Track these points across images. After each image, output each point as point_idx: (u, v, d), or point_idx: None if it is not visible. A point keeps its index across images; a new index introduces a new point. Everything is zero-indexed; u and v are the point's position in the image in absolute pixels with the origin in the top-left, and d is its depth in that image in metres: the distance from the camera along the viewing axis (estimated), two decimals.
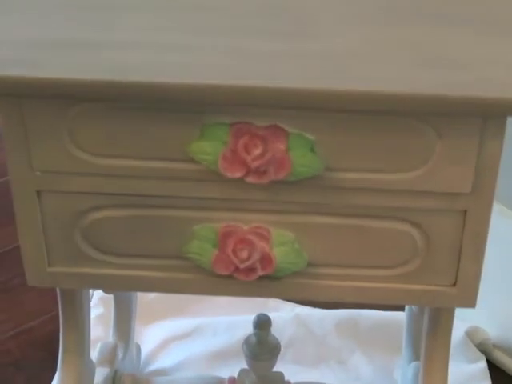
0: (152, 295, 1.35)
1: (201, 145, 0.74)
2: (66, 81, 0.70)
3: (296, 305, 1.36)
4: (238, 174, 0.74)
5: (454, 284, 0.81)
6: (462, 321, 1.26)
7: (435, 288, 0.81)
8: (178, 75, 0.70)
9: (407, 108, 0.70)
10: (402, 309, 1.21)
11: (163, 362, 1.26)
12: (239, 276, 0.80)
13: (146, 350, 1.27)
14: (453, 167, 0.74)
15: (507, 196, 1.19)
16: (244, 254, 0.78)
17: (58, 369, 0.94)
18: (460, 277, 0.80)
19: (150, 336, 1.30)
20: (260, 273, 0.79)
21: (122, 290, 1.02)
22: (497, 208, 0.92)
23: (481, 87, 0.69)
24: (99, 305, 1.31)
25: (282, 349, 1.22)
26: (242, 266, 0.79)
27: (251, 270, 0.79)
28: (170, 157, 0.75)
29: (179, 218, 0.79)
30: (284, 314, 1.31)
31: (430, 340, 0.90)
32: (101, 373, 1.06)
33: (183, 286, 0.83)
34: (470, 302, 0.82)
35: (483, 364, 1.25)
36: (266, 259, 0.79)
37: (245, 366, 1.08)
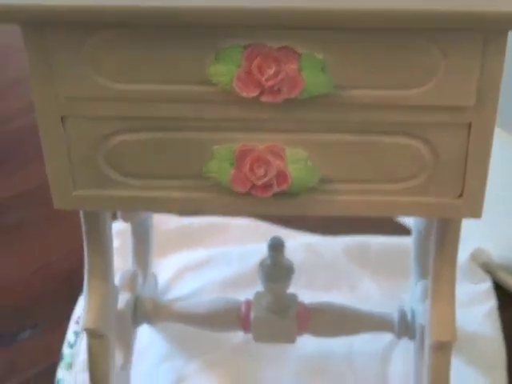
0: (167, 228, 1.40)
1: (216, 68, 0.78)
2: (84, 8, 0.74)
3: (306, 234, 1.41)
4: (253, 94, 0.78)
5: (461, 195, 0.85)
6: (466, 244, 1.31)
7: (442, 200, 0.85)
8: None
9: (415, 24, 0.73)
10: (409, 234, 1.25)
11: (179, 290, 1.31)
12: (256, 193, 0.84)
13: (161, 280, 1.32)
14: (457, 82, 0.78)
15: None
16: (261, 172, 0.82)
17: (84, 293, 0.98)
18: (466, 188, 0.84)
19: (165, 267, 1.35)
20: (276, 189, 0.83)
21: (144, 210, 1.06)
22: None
23: (482, 2, 0.72)
24: (116, 238, 1.35)
25: (294, 276, 1.27)
26: (258, 183, 0.83)
27: (267, 186, 0.83)
28: (186, 80, 0.79)
29: (198, 140, 0.83)
30: (294, 242, 1.35)
31: (438, 255, 0.94)
32: (123, 298, 1.10)
33: (203, 205, 0.87)
34: (476, 212, 0.86)
35: (488, 284, 1.30)
36: (281, 176, 0.83)
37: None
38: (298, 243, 1.36)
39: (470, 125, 0.80)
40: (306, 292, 1.20)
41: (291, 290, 1.13)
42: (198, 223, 1.43)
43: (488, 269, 1.32)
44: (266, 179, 0.83)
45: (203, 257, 1.36)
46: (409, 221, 1.35)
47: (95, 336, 0.98)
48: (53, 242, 1.44)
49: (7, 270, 1.40)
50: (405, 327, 1.11)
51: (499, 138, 1.21)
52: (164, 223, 1.41)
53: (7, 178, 1.61)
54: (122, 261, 1.28)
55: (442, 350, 0.95)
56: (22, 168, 1.62)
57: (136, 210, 1.04)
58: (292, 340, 1.12)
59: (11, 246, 1.45)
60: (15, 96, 1.84)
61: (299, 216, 0.91)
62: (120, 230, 1.35)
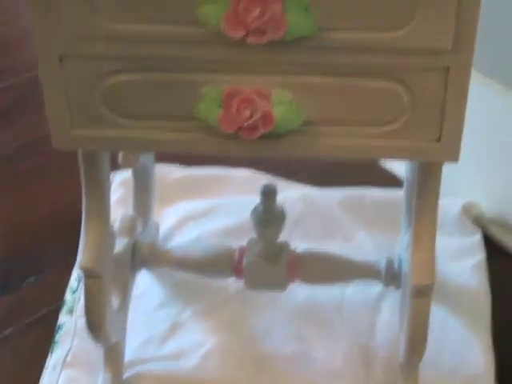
0: (170, 178, 1.44)
1: (205, 8, 0.81)
2: None
3: (304, 186, 1.45)
4: (240, 34, 0.81)
5: (439, 139, 0.89)
6: (458, 197, 1.35)
7: (421, 143, 0.89)
8: None
9: None
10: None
11: (180, 238, 1.35)
12: (243, 134, 0.88)
13: (163, 228, 1.36)
14: (435, 26, 0.81)
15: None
16: (247, 113, 0.86)
17: (82, 235, 1.01)
18: (444, 132, 0.88)
19: (167, 216, 1.39)
20: (262, 130, 0.87)
21: (138, 150, 1.10)
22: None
23: None
24: (120, 187, 1.40)
25: (290, 226, 1.30)
26: (245, 125, 0.87)
27: (253, 128, 0.87)
28: (177, 20, 0.82)
29: (188, 81, 0.87)
30: (292, 194, 1.39)
31: (419, 201, 0.97)
32: (121, 242, 1.14)
33: (193, 145, 0.91)
34: (454, 156, 0.89)
35: (478, 237, 1.33)
36: (267, 117, 0.87)
37: None
38: (294, 194, 1.40)
39: (447, 69, 0.84)
40: (301, 243, 1.24)
41: (287, 240, 1.16)
42: (201, 174, 1.47)
43: (479, 223, 1.36)
44: (251, 121, 0.86)
45: (204, 207, 1.40)
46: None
47: (91, 276, 1.00)
48: (63, 191, 1.48)
49: (16, 215, 1.45)
50: (391, 275, 1.13)
51: (499, 93, 1.24)
52: (167, 173, 1.45)
53: (24, 125, 1.66)
54: (125, 210, 1.32)
55: (422, 294, 0.97)
56: (38, 115, 1.67)
57: (131, 150, 1.08)
58: (283, 287, 1.15)
59: (23, 191, 1.50)
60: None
61: (288, 158, 0.95)
62: (124, 180, 1.39)
